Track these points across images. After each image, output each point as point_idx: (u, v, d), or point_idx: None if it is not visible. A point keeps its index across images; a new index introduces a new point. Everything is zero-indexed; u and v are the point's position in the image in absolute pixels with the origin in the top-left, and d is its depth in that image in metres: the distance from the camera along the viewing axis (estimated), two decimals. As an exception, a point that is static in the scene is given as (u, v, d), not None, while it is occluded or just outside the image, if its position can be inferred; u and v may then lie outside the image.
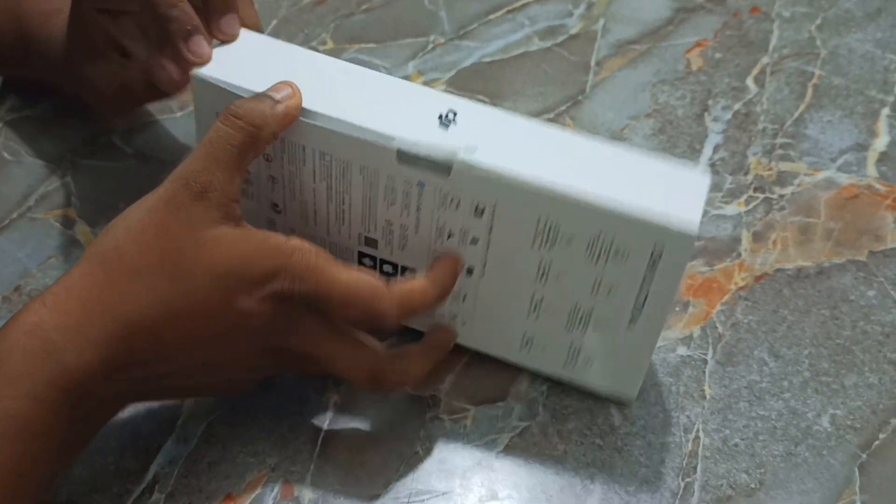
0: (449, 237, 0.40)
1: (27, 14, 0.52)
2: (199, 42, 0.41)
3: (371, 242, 0.42)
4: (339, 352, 0.39)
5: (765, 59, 0.63)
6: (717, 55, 0.64)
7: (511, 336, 0.43)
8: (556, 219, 0.38)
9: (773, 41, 0.65)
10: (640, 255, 0.38)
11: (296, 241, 0.37)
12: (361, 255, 0.43)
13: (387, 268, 0.43)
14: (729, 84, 0.61)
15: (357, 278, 0.37)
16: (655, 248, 0.37)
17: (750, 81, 0.62)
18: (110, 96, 0.49)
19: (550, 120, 0.59)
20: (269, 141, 0.38)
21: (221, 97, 0.39)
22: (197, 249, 0.36)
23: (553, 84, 0.62)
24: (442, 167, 0.38)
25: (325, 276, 0.37)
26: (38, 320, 0.34)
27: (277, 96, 0.38)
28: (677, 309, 0.48)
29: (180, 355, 0.37)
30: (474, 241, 0.40)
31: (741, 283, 0.50)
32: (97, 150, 0.56)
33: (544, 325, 0.42)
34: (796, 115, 0.59)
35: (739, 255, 0.51)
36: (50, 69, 0.51)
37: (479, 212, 0.39)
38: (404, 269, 0.43)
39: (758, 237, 0.52)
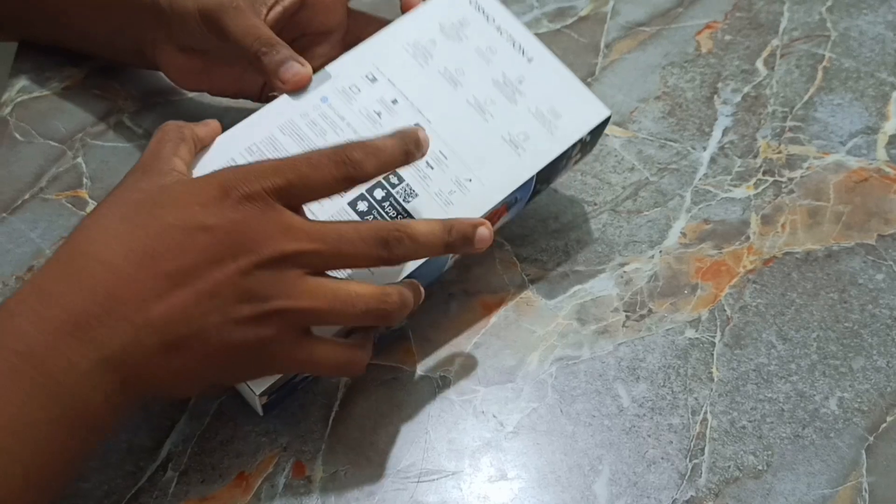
0: (379, 115, 0.44)
1: None
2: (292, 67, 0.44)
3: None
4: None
5: (775, 42, 0.63)
6: (727, 37, 0.63)
7: (497, 147, 0.46)
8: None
9: (784, 23, 0.64)
10: None
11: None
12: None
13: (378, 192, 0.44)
14: (738, 67, 0.61)
15: (315, 150, 0.38)
16: None
17: (760, 64, 0.61)
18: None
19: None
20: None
21: None
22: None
23: (562, 66, 0.61)
24: (324, 74, 0.45)
25: (281, 160, 0.38)
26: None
27: None
28: (685, 292, 0.49)
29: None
30: (395, 102, 0.45)
31: (750, 267, 0.50)
32: (108, 130, 0.56)
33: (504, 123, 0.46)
34: (806, 98, 0.59)
35: (748, 238, 0.51)
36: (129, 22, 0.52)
37: (371, 79, 0.45)
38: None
39: (766, 220, 0.52)
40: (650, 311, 0.48)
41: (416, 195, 0.43)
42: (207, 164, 0.42)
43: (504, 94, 0.47)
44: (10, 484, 0.33)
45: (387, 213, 0.43)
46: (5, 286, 0.48)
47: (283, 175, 0.36)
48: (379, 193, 0.43)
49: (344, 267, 0.39)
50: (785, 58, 0.62)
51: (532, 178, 0.45)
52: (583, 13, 0.65)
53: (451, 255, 0.46)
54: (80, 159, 0.54)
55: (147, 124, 0.57)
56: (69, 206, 0.52)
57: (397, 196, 0.43)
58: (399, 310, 0.38)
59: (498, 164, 0.45)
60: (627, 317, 0.48)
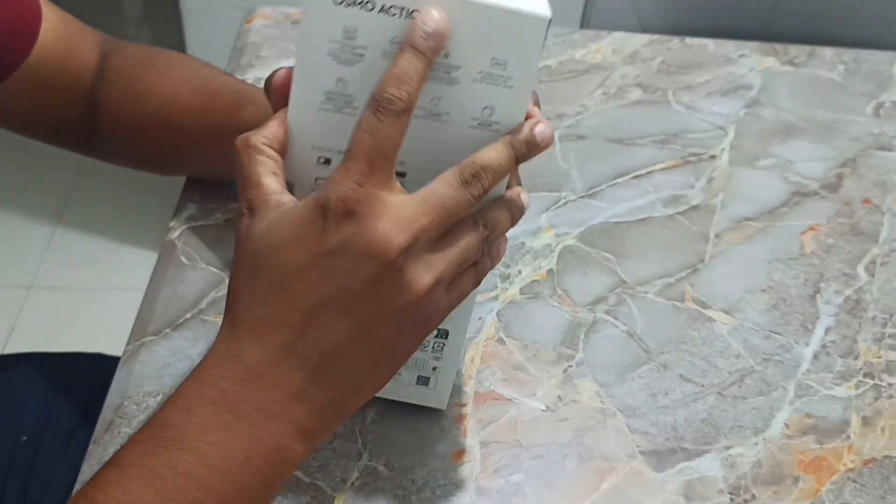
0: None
1: (239, 113, 0.59)
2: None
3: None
4: None
5: (875, 250, 0.67)
6: (830, 240, 0.68)
7: (472, 139, 0.41)
8: None
9: (884, 233, 0.69)
10: None
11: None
12: None
13: None
14: (840, 270, 0.66)
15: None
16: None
17: (861, 269, 0.66)
18: None
19: (670, 285, 0.64)
20: None
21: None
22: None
23: (674, 249, 0.66)
24: None
25: (349, 156, 0.38)
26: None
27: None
28: (788, 482, 0.51)
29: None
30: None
31: (850, 465, 0.52)
32: (261, 263, 0.62)
33: None
34: (905, 307, 0.63)
35: (849, 437, 0.54)
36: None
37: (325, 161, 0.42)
38: None
39: (867, 422, 0.55)
40: (753, 496, 0.51)
41: None
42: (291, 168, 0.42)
43: (439, 81, 0.40)
44: None
45: None
46: (164, 396, 0.53)
47: (358, 165, 0.38)
48: None
49: (451, 222, 0.40)
50: (885, 266, 0.66)
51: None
52: (694, 202, 0.71)
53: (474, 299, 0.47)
54: (236, 287, 0.60)
55: (296, 261, 0.63)
56: (224, 329, 0.57)
57: None
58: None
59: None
60: (732, 499, 0.50)
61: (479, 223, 0.42)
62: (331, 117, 0.41)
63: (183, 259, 0.62)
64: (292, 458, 0.40)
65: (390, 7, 0.39)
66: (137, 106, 0.62)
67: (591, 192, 0.71)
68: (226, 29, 0.92)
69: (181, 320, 0.58)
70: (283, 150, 0.42)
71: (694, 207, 0.71)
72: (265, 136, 0.41)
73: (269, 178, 0.40)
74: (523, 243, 0.66)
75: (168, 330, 0.57)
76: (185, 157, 0.65)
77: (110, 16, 2.20)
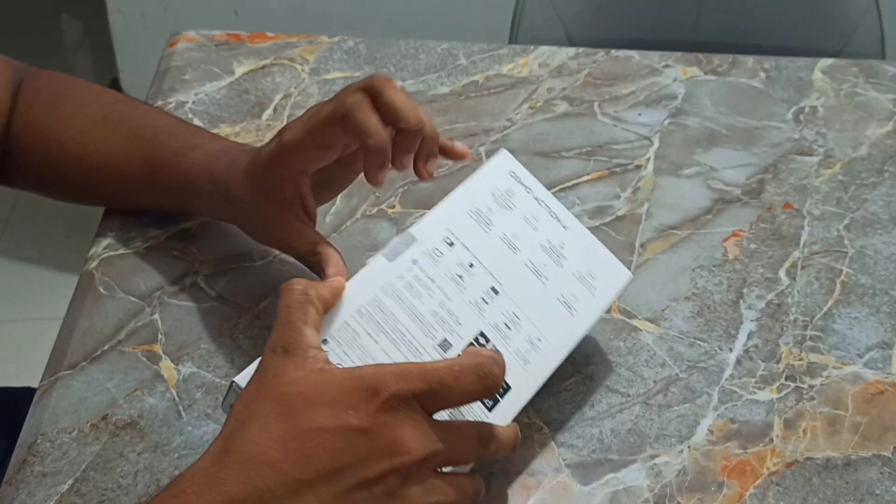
0: (461, 278, 0.50)
1: (161, 148, 0.59)
2: (385, 175, 0.51)
3: (443, 343, 0.49)
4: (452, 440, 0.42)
5: (796, 254, 0.69)
6: (752, 246, 0.69)
7: (555, 307, 0.53)
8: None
9: (804, 237, 0.70)
10: None
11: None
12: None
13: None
14: (762, 275, 0.67)
15: (456, 360, 0.43)
16: None
17: (782, 273, 0.67)
18: (284, 242, 0.56)
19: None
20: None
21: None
22: (294, 396, 0.40)
23: (600, 261, 0.67)
24: (408, 237, 0.51)
25: (426, 368, 0.41)
26: None
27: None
28: (712, 489, 0.52)
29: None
30: (472, 266, 0.51)
31: (773, 468, 0.53)
32: (183, 290, 0.61)
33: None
34: (825, 309, 0.64)
35: (772, 440, 0.55)
36: (184, 201, 0.58)
37: (449, 243, 0.51)
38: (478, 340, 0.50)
39: (789, 424, 0.56)
40: (679, 504, 0.51)
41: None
42: (324, 328, 0.46)
43: (552, 259, 0.53)
44: None
45: None
46: (80, 432, 0.52)
47: (428, 382, 0.40)
48: None
49: (455, 462, 0.43)
50: (805, 269, 0.67)
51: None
52: (620, 213, 0.72)
53: None
54: (156, 316, 0.59)
55: (219, 287, 0.62)
56: (144, 359, 0.56)
57: None
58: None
59: (558, 324, 0.51)
60: (657, 509, 0.51)
61: (476, 478, 0.45)
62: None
63: (101, 289, 0.61)
64: None
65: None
66: (50, 142, 0.61)
67: (518, 206, 0.72)
68: (158, 54, 0.91)
69: (98, 353, 0.56)
70: (326, 312, 0.45)
71: (620, 218, 0.71)
72: (321, 293, 0.44)
73: (311, 330, 0.42)
74: (450, 260, 0.66)
75: (85, 363, 0.56)
76: (104, 192, 0.64)
77: (48, 42, 2.16)
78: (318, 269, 0.52)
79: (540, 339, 0.50)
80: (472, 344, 0.49)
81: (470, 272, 0.51)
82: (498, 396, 0.48)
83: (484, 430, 0.44)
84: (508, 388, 0.48)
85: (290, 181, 0.53)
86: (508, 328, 0.50)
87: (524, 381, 0.49)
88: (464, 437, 0.43)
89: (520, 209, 0.55)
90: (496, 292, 0.51)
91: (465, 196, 0.54)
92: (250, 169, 0.54)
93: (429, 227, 0.52)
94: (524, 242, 0.53)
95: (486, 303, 0.51)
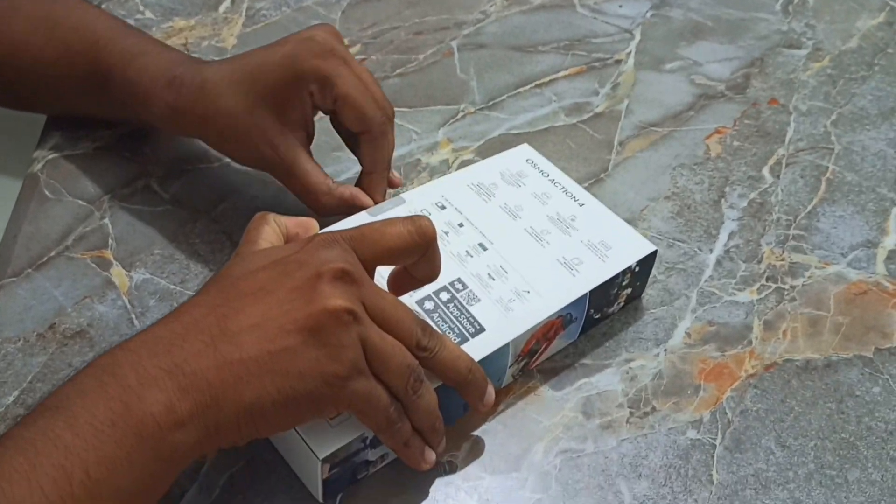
0: (447, 234, 0.51)
1: (105, 52, 0.54)
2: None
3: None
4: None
5: (781, 151, 0.66)
6: (736, 143, 0.66)
7: (553, 267, 0.50)
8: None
9: (790, 133, 0.67)
10: None
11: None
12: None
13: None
14: (745, 173, 0.64)
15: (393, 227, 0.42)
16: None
17: (766, 171, 0.64)
18: (285, 167, 0.53)
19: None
20: None
21: None
22: None
23: (577, 159, 0.64)
24: (398, 199, 0.52)
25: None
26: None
27: None
28: (689, 392, 0.50)
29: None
30: (461, 225, 0.51)
31: (751, 371, 0.51)
32: (135, 193, 0.58)
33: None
34: (809, 207, 0.61)
35: (750, 342, 0.53)
36: (132, 110, 0.54)
37: (441, 206, 0.52)
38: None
39: (769, 326, 0.54)
40: (654, 408, 0.49)
41: (479, 300, 0.47)
42: None
43: (559, 228, 0.52)
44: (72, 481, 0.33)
45: (451, 312, 0.47)
46: (26, 342, 0.49)
47: (358, 229, 0.41)
48: (444, 295, 0.47)
49: (387, 327, 0.40)
50: (790, 167, 0.64)
51: (586, 295, 0.49)
52: (598, 110, 0.68)
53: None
54: (106, 220, 0.56)
55: (174, 190, 0.58)
56: (94, 265, 0.53)
57: (461, 299, 0.47)
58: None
59: (554, 280, 0.49)
60: (631, 413, 0.49)
61: (426, 348, 0.41)
62: None
63: (47, 192, 0.57)
64: (163, 441, 0.35)
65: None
66: None
67: (491, 103, 0.68)
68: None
69: (44, 259, 0.53)
70: (287, 241, 0.43)
71: (598, 115, 0.68)
72: (282, 220, 0.44)
73: (264, 242, 0.42)
74: (419, 160, 0.63)
75: (30, 270, 0.53)
76: (44, 100, 0.60)
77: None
78: (323, 207, 0.52)
79: (528, 292, 0.48)
80: (445, 287, 0.48)
81: (458, 230, 0.51)
82: (468, 335, 0.46)
83: (422, 322, 0.41)
84: (482, 328, 0.46)
85: (300, 102, 0.51)
86: (492, 279, 0.49)
87: (504, 326, 0.47)
88: (397, 305, 0.41)
89: (529, 187, 0.54)
90: (483, 248, 0.50)
91: (469, 173, 0.55)
92: (247, 77, 0.50)
93: (421, 193, 0.53)
94: (528, 212, 0.53)
95: (471, 255, 0.50)
